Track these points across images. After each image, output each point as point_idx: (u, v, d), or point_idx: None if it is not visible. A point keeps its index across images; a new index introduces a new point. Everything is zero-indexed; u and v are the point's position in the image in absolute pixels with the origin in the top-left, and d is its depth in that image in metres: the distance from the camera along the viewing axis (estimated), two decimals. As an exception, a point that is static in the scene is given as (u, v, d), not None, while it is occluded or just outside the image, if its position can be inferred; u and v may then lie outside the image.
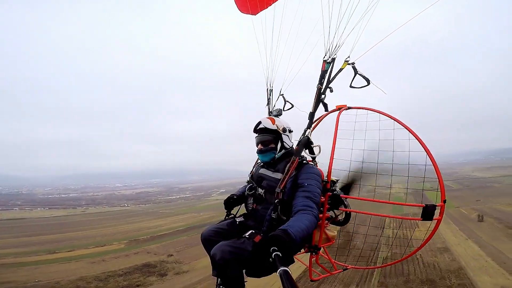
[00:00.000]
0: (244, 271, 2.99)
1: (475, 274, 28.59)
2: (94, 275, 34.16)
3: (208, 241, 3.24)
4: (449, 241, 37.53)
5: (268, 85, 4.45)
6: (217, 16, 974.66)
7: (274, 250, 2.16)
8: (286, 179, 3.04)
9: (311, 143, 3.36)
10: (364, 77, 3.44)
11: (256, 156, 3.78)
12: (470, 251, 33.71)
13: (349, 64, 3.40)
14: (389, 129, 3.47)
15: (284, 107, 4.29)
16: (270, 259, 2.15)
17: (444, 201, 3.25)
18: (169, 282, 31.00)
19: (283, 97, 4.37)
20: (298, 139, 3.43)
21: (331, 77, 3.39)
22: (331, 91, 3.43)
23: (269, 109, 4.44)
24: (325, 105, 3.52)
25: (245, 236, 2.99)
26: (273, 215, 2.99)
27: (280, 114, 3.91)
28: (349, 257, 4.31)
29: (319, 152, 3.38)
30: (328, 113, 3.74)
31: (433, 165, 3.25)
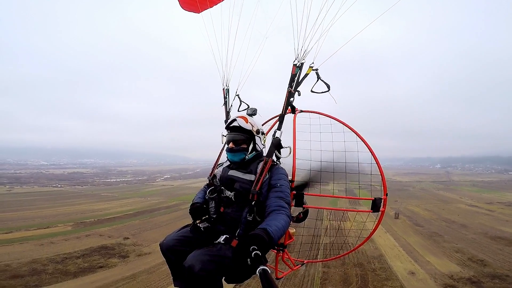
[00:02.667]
0: (223, 278, 2.93)
1: (391, 260, 35.42)
2: (47, 257, 31.92)
3: (172, 251, 3.06)
4: (374, 234, 45.28)
5: (224, 85, 4.35)
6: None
7: (254, 249, 2.15)
8: (261, 180, 3.02)
9: (281, 145, 3.42)
10: (325, 83, 3.53)
11: (215, 158, 3.84)
12: (388, 242, 40.79)
13: (313, 70, 3.49)
14: (340, 132, 3.74)
15: (239, 107, 4.31)
16: (249, 259, 2.15)
17: (386, 194, 3.59)
18: (133, 263, 30.66)
19: (238, 97, 4.34)
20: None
21: (298, 81, 3.46)
22: (299, 94, 3.52)
23: (226, 109, 4.35)
24: (293, 108, 3.64)
25: (219, 242, 2.87)
26: (249, 218, 2.96)
27: (255, 114, 3.75)
28: (299, 252, 4.37)
29: (289, 153, 3.42)
30: (288, 112, 3.76)
31: (377, 164, 3.59)
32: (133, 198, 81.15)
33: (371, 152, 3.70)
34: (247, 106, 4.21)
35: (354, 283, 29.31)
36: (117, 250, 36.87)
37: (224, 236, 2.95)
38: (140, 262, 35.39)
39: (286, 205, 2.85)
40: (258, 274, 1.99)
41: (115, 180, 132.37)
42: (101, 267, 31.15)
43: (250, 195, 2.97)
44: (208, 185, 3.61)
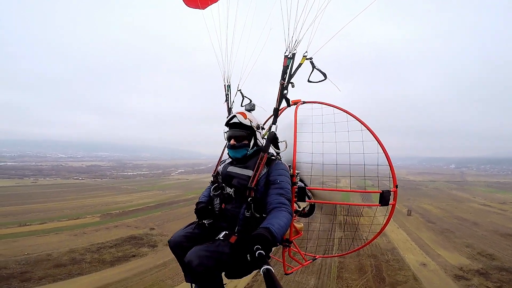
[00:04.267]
0: (223, 273, 2.98)
1: (404, 253, 37.55)
2: (83, 247, 34.67)
3: (179, 247, 3.12)
4: (386, 229, 47.20)
5: (225, 81, 4.30)
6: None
7: (257, 249, 2.17)
8: (257, 176, 2.99)
9: (277, 139, 3.37)
10: (321, 71, 3.43)
11: (218, 154, 3.84)
12: (401, 237, 42.94)
13: (307, 59, 3.39)
14: (343, 121, 3.56)
15: (242, 102, 4.20)
16: (248, 257, 2.19)
17: (396, 186, 3.40)
18: (162, 252, 32.97)
19: (240, 92, 4.26)
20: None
21: (292, 72, 3.37)
22: (293, 86, 3.41)
23: (228, 105, 4.29)
24: (288, 100, 3.51)
25: (219, 238, 2.91)
26: (247, 214, 2.96)
27: (253, 109, 3.73)
28: (312, 247, 4.37)
29: (286, 147, 3.35)
30: (284, 108, 3.70)
31: (384, 153, 3.40)
32: (152, 191, 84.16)
33: (377, 141, 3.47)
34: (249, 101, 4.09)
35: (369, 272, 31.28)
36: (145, 240, 39.71)
37: (224, 232, 2.96)
38: (168, 251, 37.32)
39: (287, 202, 2.83)
40: (262, 274, 2.01)
41: (132, 173, 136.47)
42: (133, 256, 34.23)
43: (247, 191, 2.95)
44: (212, 183, 3.57)
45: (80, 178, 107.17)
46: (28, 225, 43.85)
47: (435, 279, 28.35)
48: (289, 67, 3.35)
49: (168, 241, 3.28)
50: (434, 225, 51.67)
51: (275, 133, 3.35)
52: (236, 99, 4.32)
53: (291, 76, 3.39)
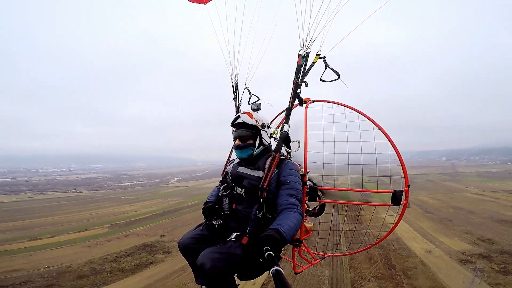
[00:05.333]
0: (235, 275, 2.95)
1: (408, 242, 39.57)
2: (100, 257, 35.38)
3: (189, 249, 3.09)
4: (388, 220, 49.32)
5: (233, 79, 4.23)
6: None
7: (267, 250, 2.18)
8: (269, 177, 2.96)
9: (289, 138, 3.32)
10: (334, 70, 3.41)
11: (226, 155, 3.78)
12: (403, 227, 44.90)
13: (320, 58, 3.37)
14: (355, 121, 3.55)
15: (249, 100, 4.14)
16: (260, 259, 2.18)
17: (408, 186, 3.43)
18: (177, 257, 33.31)
19: (248, 90, 4.20)
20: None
21: (305, 71, 3.35)
22: (306, 85, 3.39)
23: (236, 103, 4.24)
24: (300, 100, 3.47)
25: (230, 240, 2.88)
26: (259, 214, 2.91)
27: (259, 109, 3.68)
28: (321, 246, 4.38)
29: (298, 147, 3.30)
30: (294, 107, 3.62)
31: (396, 153, 3.39)
32: (153, 199, 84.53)
33: (389, 141, 3.45)
34: (257, 98, 4.06)
35: (379, 261, 33.09)
36: (158, 247, 40.66)
37: (235, 233, 2.94)
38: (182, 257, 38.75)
39: (298, 203, 2.81)
40: (272, 275, 1.99)
41: (129, 183, 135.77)
42: (151, 262, 35.24)
43: (259, 192, 2.92)
44: (221, 182, 3.53)
45: (78, 191, 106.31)
46: (39, 238, 44.33)
47: (441, 264, 30.25)
48: (303, 66, 3.34)
49: (177, 243, 3.26)
50: (432, 215, 54.33)
51: (287, 133, 3.33)
52: (244, 97, 4.27)
53: (305, 75, 3.38)
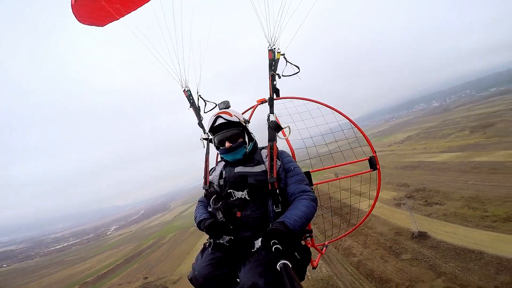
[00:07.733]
0: None
1: (353, 203, 50.19)
2: None
3: (211, 278, 2.69)
4: (364, 189, 59.10)
5: (184, 86, 3.97)
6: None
7: (274, 243, 2.12)
8: (274, 166, 2.82)
9: (280, 126, 3.21)
10: (294, 65, 3.51)
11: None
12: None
13: (281, 55, 3.46)
14: (315, 108, 3.99)
15: (205, 108, 3.95)
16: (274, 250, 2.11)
17: (375, 151, 3.95)
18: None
19: (201, 97, 3.97)
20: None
21: (273, 66, 3.42)
22: (279, 77, 3.49)
23: (194, 110, 3.93)
24: (277, 91, 3.50)
25: (259, 249, 2.59)
26: (277, 209, 2.72)
27: (229, 106, 3.37)
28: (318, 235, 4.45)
29: (289, 133, 3.21)
30: (255, 107, 4.06)
31: (356, 126, 4.07)
32: (104, 252, 79.63)
33: (348, 119, 4.03)
34: (215, 105, 3.82)
35: (344, 223, 39.97)
36: (154, 284, 40.73)
37: (260, 239, 2.62)
38: (183, 286, 38.98)
39: (309, 188, 2.73)
40: (279, 269, 1.90)
41: (61, 245, 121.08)
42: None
43: (270, 185, 2.74)
44: (206, 196, 3.20)
45: (5, 265, 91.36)
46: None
47: (386, 211, 38.11)
48: (274, 59, 3.42)
49: (190, 279, 2.77)
50: (356, 178, 66.32)
51: (276, 122, 3.22)
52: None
53: (276, 68, 3.44)
